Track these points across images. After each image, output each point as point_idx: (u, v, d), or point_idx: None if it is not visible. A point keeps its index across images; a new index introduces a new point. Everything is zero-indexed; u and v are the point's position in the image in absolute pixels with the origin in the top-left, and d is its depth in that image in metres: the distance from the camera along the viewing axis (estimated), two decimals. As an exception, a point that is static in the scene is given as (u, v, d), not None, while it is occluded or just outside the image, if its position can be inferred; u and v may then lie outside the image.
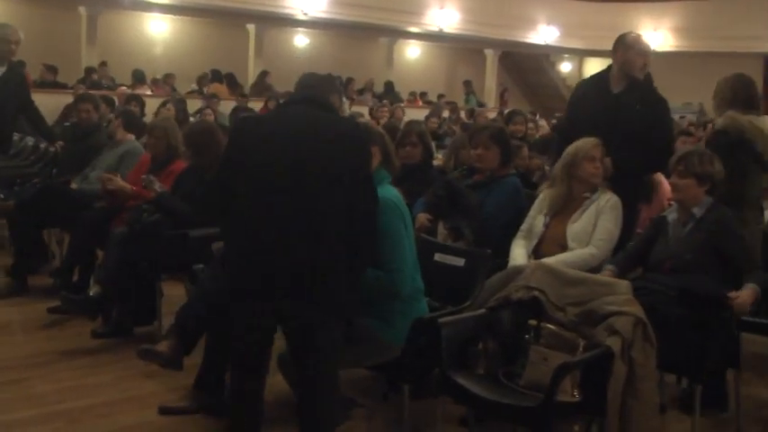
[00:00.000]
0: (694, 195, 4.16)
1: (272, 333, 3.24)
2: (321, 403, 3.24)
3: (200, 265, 4.67)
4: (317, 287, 3.08)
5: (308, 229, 3.05)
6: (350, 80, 17.92)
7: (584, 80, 5.61)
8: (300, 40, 21.25)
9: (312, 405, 3.24)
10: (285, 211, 3.05)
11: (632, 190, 4.77)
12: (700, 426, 4.03)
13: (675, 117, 17.53)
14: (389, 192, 3.61)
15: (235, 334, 3.25)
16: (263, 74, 17.20)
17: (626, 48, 4.96)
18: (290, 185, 3.06)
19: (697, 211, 4.15)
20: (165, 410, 4.22)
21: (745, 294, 3.90)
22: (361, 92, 18.57)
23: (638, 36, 5.10)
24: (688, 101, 20.19)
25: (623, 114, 4.80)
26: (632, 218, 4.74)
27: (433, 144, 6.82)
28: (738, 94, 4.85)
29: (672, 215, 4.28)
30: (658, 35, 20.74)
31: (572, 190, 4.45)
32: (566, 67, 25.22)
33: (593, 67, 25.10)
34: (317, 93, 3.34)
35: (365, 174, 3.24)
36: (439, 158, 7.03)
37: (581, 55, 24.32)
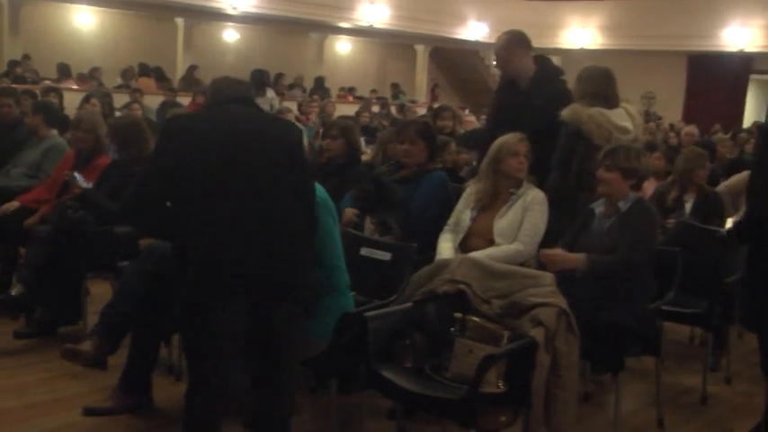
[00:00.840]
0: (620, 189, 4.23)
1: (242, 339, 3.15)
2: (285, 401, 3.29)
3: (126, 263, 4.61)
4: (286, 284, 3.14)
5: (271, 227, 3.07)
6: (280, 75, 17.83)
7: (502, 77, 5.68)
8: (230, 35, 21.06)
9: (278, 402, 3.27)
10: (248, 211, 3.04)
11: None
12: (622, 413, 4.15)
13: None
14: (316, 189, 3.63)
15: (203, 349, 3.13)
16: (192, 68, 17.00)
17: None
18: (248, 185, 3.05)
19: (622, 205, 4.22)
20: (90, 411, 4.14)
21: (569, 256, 4.08)
22: (291, 87, 18.47)
23: (500, 35, 5.29)
24: (615, 97, 20.57)
25: (528, 111, 4.93)
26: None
27: (363, 139, 6.83)
28: (588, 87, 4.98)
29: (599, 208, 4.36)
30: (586, 33, 21.14)
31: (497, 185, 4.51)
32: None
33: (523, 63, 25.45)
34: (249, 93, 3.37)
35: (306, 169, 3.31)
36: (368, 153, 7.05)
37: (510, 51, 24.56)
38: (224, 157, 3.05)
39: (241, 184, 3.05)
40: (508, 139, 4.55)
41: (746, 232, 3.52)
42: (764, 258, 3.40)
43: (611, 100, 4.97)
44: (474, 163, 6.42)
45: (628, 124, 4.91)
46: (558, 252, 4.16)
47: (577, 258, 4.09)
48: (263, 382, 3.29)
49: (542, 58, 5.31)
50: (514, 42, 5.17)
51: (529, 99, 5.05)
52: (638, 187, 4.29)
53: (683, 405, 4.82)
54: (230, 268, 3.02)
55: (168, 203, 3.15)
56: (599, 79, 5.00)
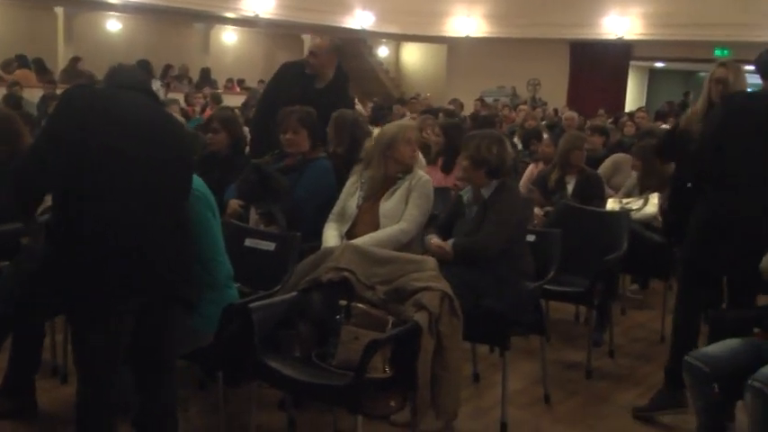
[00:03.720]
0: (474, 177, 4.29)
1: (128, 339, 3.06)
2: (171, 398, 3.25)
3: (6, 262, 4.41)
4: (175, 282, 3.09)
5: (163, 225, 3.01)
6: (169, 67, 17.47)
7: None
8: (113, 25, 20.46)
9: (163, 399, 3.22)
10: (143, 207, 2.94)
11: None
12: (510, 391, 4.23)
13: (489, 100, 18.30)
14: (195, 182, 3.55)
15: (103, 355, 3.00)
16: (75, 60, 16.41)
17: (332, 50, 5.73)
18: (140, 180, 2.94)
19: (485, 193, 4.29)
20: (-30, 417, 3.98)
21: (441, 245, 4.20)
22: (176, 79, 18.12)
23: (315, 39, 5.83)
24: (501, 84, 20.99)
25: (322, 110, 5.12)
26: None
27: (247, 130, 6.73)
28: None
29: (467, 194, 4.43)
30: (472, 21, 21.42)
31: (388, 171, 4.52)
32: (383, 51, 25.58)
33: (410, 51, 25.68)
34: (147, 83, 3.27)
35: (190, 165, 3.29)
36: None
37: (398, 40, 24.74)
38: (118, 146, 2.89)
39: (134, 179, 2.93)
40: (403, 126, 4.59)
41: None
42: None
43: None
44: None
45: None
46: (439, 243, 4.22)
47: (447, 247, 4.20)
48: (148, 380, 3.23)
49: (342, 72, 5.84)
50: (333, 49, 5.76)
51: (322, 98, 5.44)
52: (497, 175, 4.28)
53: (568, 380, 4.96)
54: (129, 268, 2.92)
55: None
56: None
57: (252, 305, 3.49)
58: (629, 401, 4.66)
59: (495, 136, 4.39)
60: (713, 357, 3.62)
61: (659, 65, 24.06)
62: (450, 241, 4.20)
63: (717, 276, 4.21)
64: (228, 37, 22.94)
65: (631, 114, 13.32)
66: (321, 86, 5.68)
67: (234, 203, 4.75)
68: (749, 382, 3.40)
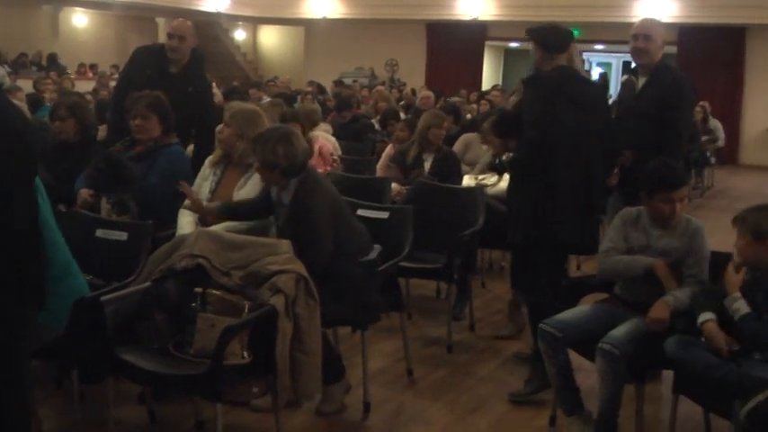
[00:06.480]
0: (272, 180, 4.02)
1: None
2: (22, 400, 3.03)
3: None
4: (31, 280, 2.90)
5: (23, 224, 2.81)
6: (23, 55, 16.66)
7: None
8: (-48, 10, 19.38)
9: (14, 401, 3.02)
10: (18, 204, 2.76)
11: None
12: (373, 370, 4.28)
13: (348, 81, 18.35)
14: None
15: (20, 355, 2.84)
16: None
17: (186, 32, 5.64)
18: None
19: (285, 197, 4.03)
20: None
21: None
22: (24, 64, 17.32)
23: (173, 21, 5.79)
24: (360, 66, 21.06)
25: (178, 94, 5.13)
26: None
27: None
28: None
29: (273, 192, 4.18)
30: (328, 3, 21.35)
31: (234, 154, 4.46)
32: (240, 34, 25.23)
33: (268, 34, 25.42)
34: None
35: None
36: (103, 129, 6.71)
37: (254, 22, 24.44)
38: None
39: None
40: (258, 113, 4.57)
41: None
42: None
43: None
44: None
45: None
46: None
47: None
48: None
49: (198, 54, 5.81)
50: (191, 31, 5.70)
51: (177, 82, 5.45)
52: (294, 173, 3.97)
53: (430, 355, 5.05)
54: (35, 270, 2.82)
55: None
56: None
57: (104, 298, 3.39)
58: (489, 372, 4.81)
59: (278, 135, 3.99)
60: (566, 323, 3.79)
61: (514, 45, 24.69)
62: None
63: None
64: (79, 20, 22.07)
65: (486, 93, 13.61)
66: (176, 70, 5.59)
67: (84, 193, 4.58)
68: (599, 344, 3.58)
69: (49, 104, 10.84)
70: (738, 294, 3.43)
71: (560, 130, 4.25)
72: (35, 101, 9.98)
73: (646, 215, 3.91)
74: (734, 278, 3.48)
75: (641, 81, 4.91)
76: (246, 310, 3.32)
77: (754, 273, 3.51)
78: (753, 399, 3.13)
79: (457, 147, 7.23)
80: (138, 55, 5.85)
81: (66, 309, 3.38)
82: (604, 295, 4.08)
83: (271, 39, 25.60)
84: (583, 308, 4.01)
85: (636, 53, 4.91)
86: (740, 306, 3.39)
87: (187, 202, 4.30)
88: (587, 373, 4.04)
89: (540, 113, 4.30)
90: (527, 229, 4.36)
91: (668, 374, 3.89)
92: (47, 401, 4.06)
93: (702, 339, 3.45)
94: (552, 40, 4.42)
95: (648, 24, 5.02)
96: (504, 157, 4.66)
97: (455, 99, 11.98)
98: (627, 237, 3.92)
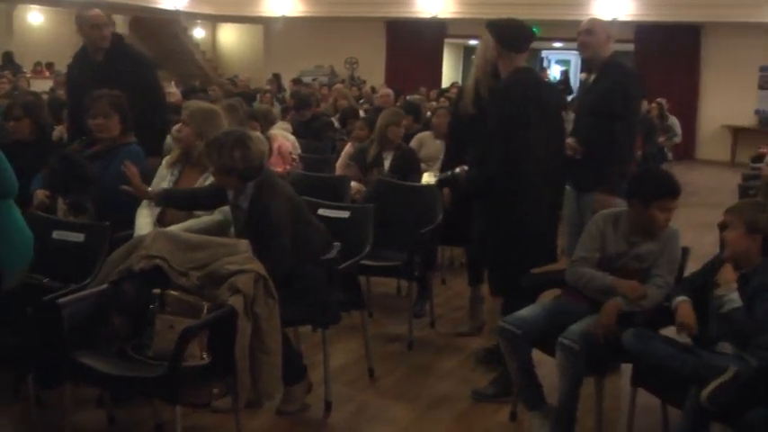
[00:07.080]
0: (229, 184, 3.95)
1: None
2: None
3: None
4: None
5: None
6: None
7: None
8: None
9: None
10: None
11: None
12: (334, 369, 4.28)
13: (308, 80, 18.26)
14: None
15: None
16: None
17: (80, 23, 5.52)
18: None
19: (243, 202, 3.95)
20: None
21: None
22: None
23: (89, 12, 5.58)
24: (319, 64, 20.99)
25: (108, 75, 5.17)
26: None
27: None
28: None
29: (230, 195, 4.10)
30: (287, 1, 21.24)
31: (193, 153, 4.42)
32: (199, 32, 25.01)
33: (227, 32, 25.22)
34: None
35: None
36: (59, 129, 6.64)
37: (213, 20, 24.25)
38: None
39: None
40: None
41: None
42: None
43: None
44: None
45: None
46: None
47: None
48: None
49: (118, 36, 5.74)
50: (107, 19, 5.64)
51: (104, 70, 5.40)
52: (251, 176, 3.89)
53: (392, 353, 5.06)
54: None
55: None
56: None
57: (60, 300, 3.34)
58: (450, 369, 4.83)
59: (233, 139, 3.87)
60: (525, 320, 3.81)
61: (474, 42, 24.78)
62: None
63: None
64: (34, 17, 21.72)
65: (446, 90, 13.64)
66: (101, 59, 5.52)
67: (40, 194, 4.52)
68: (559, 339, 3.61)
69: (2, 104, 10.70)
70: (735, 286, 3.46)
71: (533, 155, 4.17)
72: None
73: (625, 220, 3.88)
74: (731, 275, 3.51)
75: (592, 77, 4.99)
76: (205, 311, 3.29)
77: (741, 270, 3.53)
78: (716, 380, 3.16)
79: (412, 145, 7.24)
80: (76, 53, 5.84)
81: None
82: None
83: (230, 37, 25.40)
84: (542, 304, 4.04)
85: (580, 47, 5.00)
86: (734, 298, 3.43)
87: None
88: (550, 368, 4.07)
89: (512, 134, 4.15)
90: (495, 258, 4.41)
91: (627, 368, 3.93)
92: (2, 410, 4.00)
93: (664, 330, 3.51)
94: (511, 35, 4.29)
95: (591, 20, 5.17)
96: (457, 170, 4.54)
97: (415, 97, 11.99)
98: (603, 245, 3.87)
